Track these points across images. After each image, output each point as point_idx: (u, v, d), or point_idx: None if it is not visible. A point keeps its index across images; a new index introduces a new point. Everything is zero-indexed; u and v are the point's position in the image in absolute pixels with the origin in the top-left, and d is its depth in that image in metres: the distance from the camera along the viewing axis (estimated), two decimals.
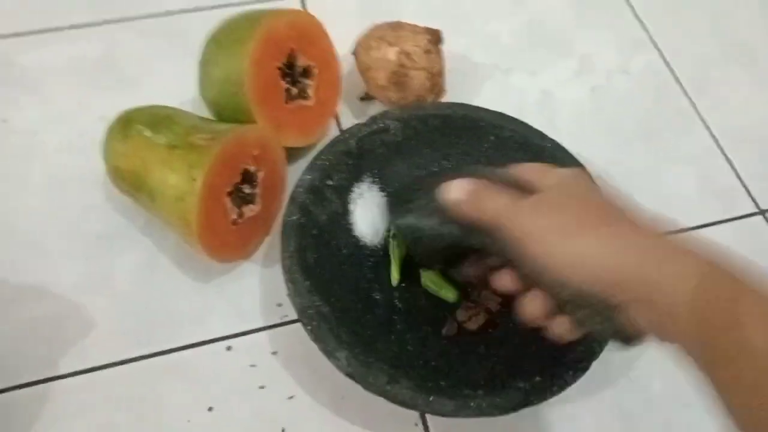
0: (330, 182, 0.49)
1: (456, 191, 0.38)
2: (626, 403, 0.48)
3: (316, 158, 0.50)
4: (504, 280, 0.39)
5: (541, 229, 0.35)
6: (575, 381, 0.43)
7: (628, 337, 0.35)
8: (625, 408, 0.48)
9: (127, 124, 0.48)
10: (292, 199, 0.48)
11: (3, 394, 0.44)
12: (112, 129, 0.48)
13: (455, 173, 0.39)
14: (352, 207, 0.50)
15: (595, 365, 0.44)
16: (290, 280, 0.45)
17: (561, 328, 0.37)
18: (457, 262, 0.43)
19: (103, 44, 0.61)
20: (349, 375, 0.42)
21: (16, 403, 0.44)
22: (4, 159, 0.54)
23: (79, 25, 0.62)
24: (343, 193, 0.50)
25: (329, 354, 0.42)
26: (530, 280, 0.37)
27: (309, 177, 0.49)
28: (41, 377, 0.45)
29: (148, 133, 0.46)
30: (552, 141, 0.52)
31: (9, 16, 0.62)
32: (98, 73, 0.60)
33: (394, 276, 0.48)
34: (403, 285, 0.49)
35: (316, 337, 0.43)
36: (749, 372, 0.28)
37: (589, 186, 0.39)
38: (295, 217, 0.47)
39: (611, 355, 0.44)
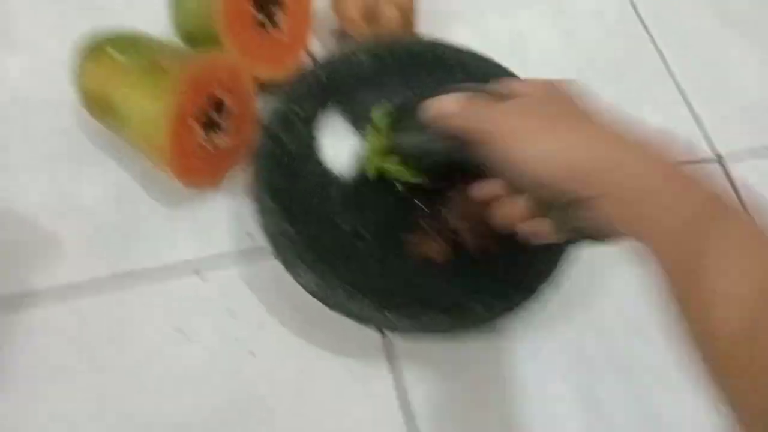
0: (300, 111, 0.50)
1: (445, 104, 0.41)
2: (587, 340, 0.49)
3: (286, 87, 0.50)
4: (487, 188, 0.41)
5: (520, 128, 0.36)
6: (526, 304, 0.45)
7: (600, 235, 0.37)
8: (586, 344, 0.49)
9: (96, 47, 0.47)
10: (263, 126, 0.49)
11: None
12: (81, 52, 0.48)
13: (443, 90, 0.41)
14: (320, 136, 0.51)
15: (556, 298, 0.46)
16: (258, 199, 0.46)
17: (537, 227, 0.39)
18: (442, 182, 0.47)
19: None
20: (312, 293, 0.44)
21: None
22: None
23: None
24: (313, 122, 0.51)
25: (293, 272, 0.44)
26: (513, 188, 0.39)
27: (279, 106, 0.50)
28: (10, 292, 0.45)
29: (118, 56, 0.46)
30: (519, 78, 0.52)
31: None
32: (69, 1, 0.58)
33: (370, 168, 0.49)
34: (370, 211, 0.50)
35: (281, 255, 0.44)
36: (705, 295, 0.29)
37: (568, 93, 0.41)
38: (265, 144, 0.48)
39: (571, 284, 0.46)
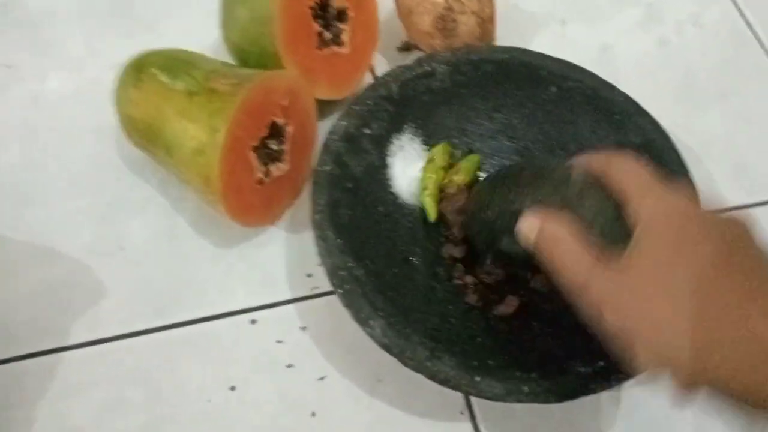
0: (367, 131, 0.44)
1: (527, 229, 0.34)
2: None
3: (353, 103, 0.44)
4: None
5: (629, 299, 0.30)
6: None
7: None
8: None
9: (140, 68, 0.43)
10: (326, 147, 0.43)
11: (10, 364, 0.41)
12: (124, 74, 0.44)
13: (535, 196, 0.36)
14: (390, 160, 0.45)
15: None
16: (321, 237, 0.40)
17: None
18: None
19: None
20: (385, 347, 0.37)
21: (23, 373, 0.41)
22: (9, 109, 0.50)
23: None
24: (382, 143, 0.45)
25: (363, 322, 0.38)
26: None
27: (344, 123, 0.43)
28: (50, 347, 0.42)
29: (164, 78, 0.41)
30: (623, 94, 0.46)
31: None
32: (111, 16, 0.55)
33: (431, 213, 0.44)
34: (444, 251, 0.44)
35: (349, 302, 0.38)
36: None
37: (711, 226, 0.31)
38: (328, 168, 0.42)
39: None
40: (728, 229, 0.31)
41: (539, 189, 0.36)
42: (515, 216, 0.35)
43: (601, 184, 0.35)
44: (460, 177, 0.45)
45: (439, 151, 0.46)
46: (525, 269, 0.42)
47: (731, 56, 0.57)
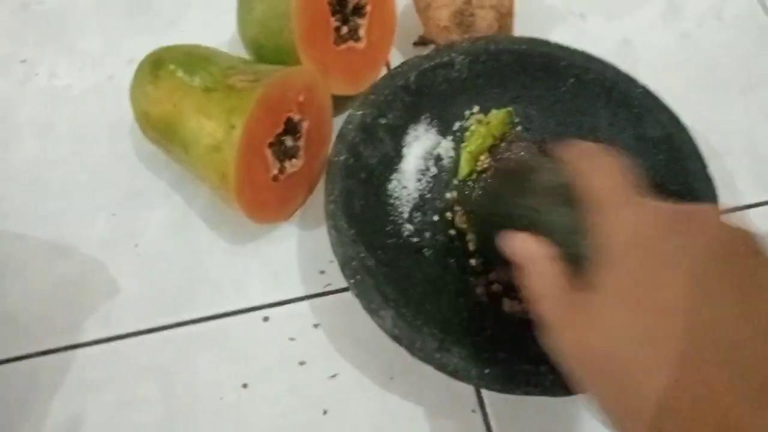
0: (383, 120, 0.43)
1: (509, 247, 0.32)
2: None
3: (369, 92, 0.44)
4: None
5: (591, 326, 0.26)
6: None
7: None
8: None
9: (157, 64, 0.42)
10: (341, 136, 0.42)
11: (24, 361, 0.41)
12: (140, 70, 0.43)
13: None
14: (405, 150, 0.45)
15: None
16: (334, 227, 0.39)
17: None
18: None
19: None
20: (395, 337, 0.37)
21: (38, 370, 0.41)
22: (25, 104, 0.50)
23: None
24: (398, 133, 0.44)
25: (373, 312, 0.37)
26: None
27: (360, 113, 0.43)
28: (65, 344, 0.42)
29: (181, 74, 0.41)
30: (643, 87, 0.45)
31: None
32: (127, 12, 0.55)
33: (463, 169, 0.44)
34: (457, 243, 0.43)
35: (360, 292, 0.38)
36: None
37: (689, 238, 0.25)
38: (342, 157, 0.41)
39: None
40: (712, 239, 0.24)
41: (522, 195, 0.34)
42: (503, 223, 0.34)
43: (574, 198, 0.30)
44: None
45: (499, 116, 0.45)
46: None
47: (753, 50, 0.55)
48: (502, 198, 0.36)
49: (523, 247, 0.31)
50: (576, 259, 0.29)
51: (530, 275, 0.30)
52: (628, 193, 0.28)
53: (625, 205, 0.28)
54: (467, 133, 0.45)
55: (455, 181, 0.45)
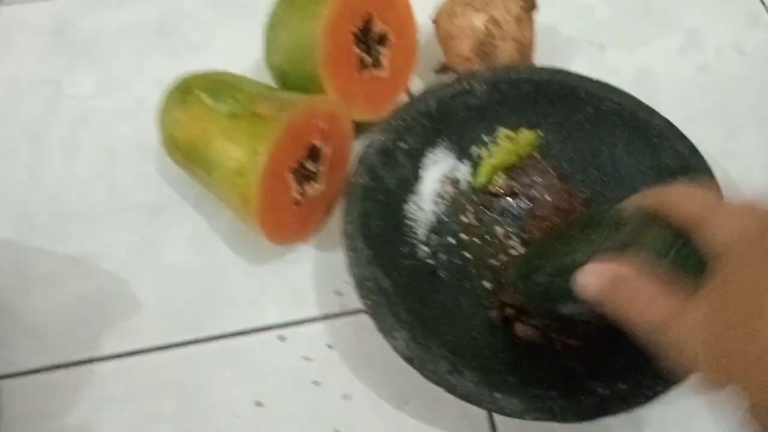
0: (403, 145, 0.45)
1: (585, 281, 0.31)
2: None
3: (390, 117, 0.45)
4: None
5: (723, 335, 0.25)
6: (666, 392, 0.37)
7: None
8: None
9: (186, 90, 0.44)
10: (362, 159, 0.43)
11: (43, 374, 0.42)
12: (169, 95, 0.45)
13: (598, 246, 0.32)
14: (423, 173, 0.45)
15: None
16: (351, 247, 0.40)
17: None
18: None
19: (162, 7, 0.58)
20: (407, 358, 0.37)
21: (55, 383, 0.42)
22: (55, 124, 0.52)
23: None
24: (416, 157, 0.45)
25: (386, 333, 0.38)
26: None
27: (381, 137, 0.44)
28: (84, 358, 0.42)
29: (208, 100, 0.42)
30: (662, 117, 0.45)
31: None
32: (157, 37, 0.56)
33: (480, 176, 0.45)
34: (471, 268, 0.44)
35: (374, 312, 0.38)
36: None
37: None
38: (362, 180, 0.42)
39: None
40: None
41: (591, 239, 0.33)
42: (571, 274, 0.32)
43: (660, 216, 0.31)
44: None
45: (528, 137, 0.45)
46: (585, 323, 0.40)
47: None
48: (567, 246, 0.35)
49: (596, 273, 0.30)
50: (672, 270, 0.29)
51: (629, 299, 0.29)
52: (727, 203, 0.29)
53: (731, 213, 0.28)
54: (492, 145, 0.46)
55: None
